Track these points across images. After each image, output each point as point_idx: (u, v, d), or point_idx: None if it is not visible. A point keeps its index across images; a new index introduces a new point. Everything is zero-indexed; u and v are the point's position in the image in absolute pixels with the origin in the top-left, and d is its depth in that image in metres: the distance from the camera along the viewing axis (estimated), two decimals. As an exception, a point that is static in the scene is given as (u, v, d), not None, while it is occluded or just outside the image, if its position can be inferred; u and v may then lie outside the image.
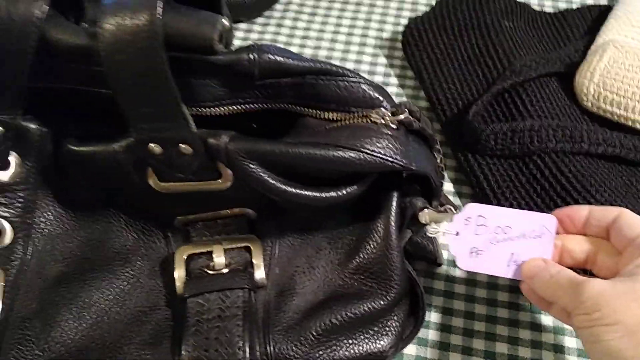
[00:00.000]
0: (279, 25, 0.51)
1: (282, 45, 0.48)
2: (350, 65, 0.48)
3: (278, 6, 0.52)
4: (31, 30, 0.28)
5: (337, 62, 0.47)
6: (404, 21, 0.51)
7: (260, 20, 0.51)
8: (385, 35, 0.50)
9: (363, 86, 0.30)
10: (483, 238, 0.30)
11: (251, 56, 0.28)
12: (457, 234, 0.31)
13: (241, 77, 0.29)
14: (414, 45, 0.46)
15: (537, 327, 0.35)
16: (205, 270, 0.32)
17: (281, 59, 0.29)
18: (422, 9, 0.52)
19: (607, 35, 0.42)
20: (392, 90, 0.46)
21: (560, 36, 0.46)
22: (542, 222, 0.30)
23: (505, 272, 0.30)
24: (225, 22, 0.28)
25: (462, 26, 0.45)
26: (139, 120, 0.28)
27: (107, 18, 0.27)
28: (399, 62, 0.48)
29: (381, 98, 0.30)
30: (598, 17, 0.46)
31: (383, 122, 0.29)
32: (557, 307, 0.30)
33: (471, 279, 0.37)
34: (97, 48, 0.27)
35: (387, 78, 0.47)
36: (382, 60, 0.49)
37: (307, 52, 0.49)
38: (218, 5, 0.31)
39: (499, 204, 0.37)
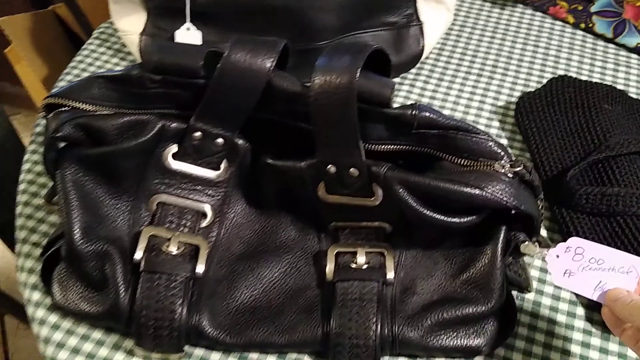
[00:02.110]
0: (412, 86, 0.62)
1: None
2: (468, 125, 0.58)
3: (413, 70, 0.63)
4: (263, 77, 0.40)
5: (458, 121, 0.58)
6: (516, 92, 0.61)
7: (396, 80, 0.63)
8: (500, 103, 0.60)
9: (490, 143, 0.40)
10: (578, 264, 0.39)
11: (413, 112, 0.39)
12: (557, 256, 0.39)
13: (402, 126, 0.40)
14: (525, 114, 0.56)
15: (604, 350, 0.43)
16: (350, 264, 0.43)
17: (434, 116, 0.40)
18: (533, 84, 0.62)
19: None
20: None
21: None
22: (631, 262, 0.38)
23: (591, 294, 0.39)
24: (395, 86, 0.39)
25: (567, 104, 0.55)
26: (326, 148, 0.40)
27: (318, 75, 0.39)
28: (510, 127, 0.58)
29: (502, 153, 0.40)
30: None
31: (503, 171, 0.39)
32: (630, 332, 0.38)
33: (554, 306, 0.45)
34: (308, 95, 0.39)
35: (498, 138, 0.57)
36: (496, 123, 0.58)
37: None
38: (388, 73, 0.43)
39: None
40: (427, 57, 0.64)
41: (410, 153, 0.41)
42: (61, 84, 0.63)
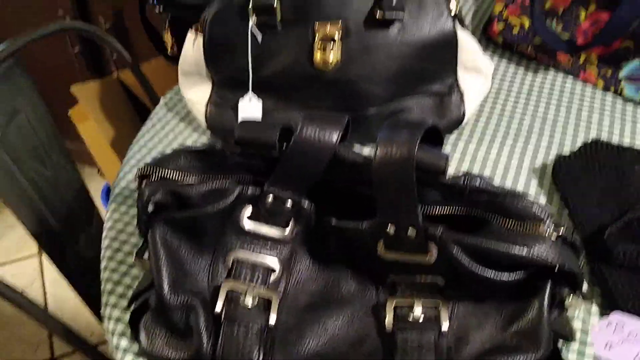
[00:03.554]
0: (454, 147, 0.67)
1: (455, 164, 0.64)
2: (509, 183, 0.63)
3: (455, 131, 0.69)
4: (330, 150, 0.46)
5: (498, 183, 0.63)
6: (552, 153, 0.66)
7: (439, 141, 0.68)
8: (537, 164, 0.65)
9: (535, 206, 0.45)
10: (618, 337, 0.43)
11: (465, 181, 0.44)
12: (599, 329, 0.43)
13: (456, 192, 0.45)
14: (562, 176, 0.60)
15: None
16: (407, 316, 0.47)
17: (484, 184, 0.44)
18: (567, 146, 0.67)
19: None
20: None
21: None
22: None
23: None
24: (449, 157, 0.44)
25: (601, 166, 0.59)
26: (387, 210, 0.45)
27: (381, 146, 0.44)
28: (547, 187, 0.62)
29: (547, 216, 0.44)
30: None
31: (547, 233, 0.43)
32: None
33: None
34: (370, 165, 0.44)
35: (537, 195, 0.61)
36: (534, 182, 0.63)
37: (475, 170, 0.65)
38: (441, 143, 0.48)
39: (621, 306, 0.49)
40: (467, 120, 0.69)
41: (460, 215, 0.46)
42: (135, 147, 0.70)
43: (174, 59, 0.76)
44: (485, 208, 0.45)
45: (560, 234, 0.44)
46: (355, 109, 0.66)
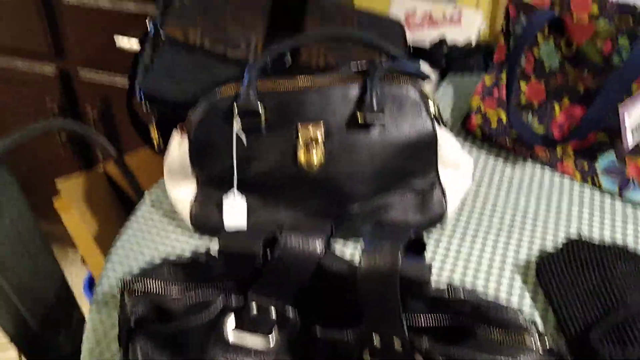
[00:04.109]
0: (437, 243, 0.68)
1: (439, 260, 0.64)
2: (493, 282, 0.63)
3: (437, 227, 0.69)
4: (314, 260, 0.46)
5: (483, 279, 0.63)
6: (535, 248, 0.66)
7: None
8: (520, 260, 0.66)
9: (520, 317, 0.45)
10: None
11: (449, 293, 0.45)
12: None
13: (439, 303, 0.45)
14: (546, 275, 0.61)
15: None
16: None
17: (468, 294, 0.45)
18: (549, 240, 0.68)
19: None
20: (526, 302, 0.60)
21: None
22: None
23: None
24: (431, 267, 0.45)
25: (584, 265, 0.60)
26: (372, 319, 0.45)
27: (365, 258, 0.44)
28: (531, 285, 0.62)
29: (532, 327, 0.44)
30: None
31: (532, 344, 0.43)
32: None
33: None
34: (355, 275, 0.44)
35: (522, 294, 0.61)
36: (518, 281, 0.63)
37: (459, 268, 0.65)
38: (423, 250, 0.48)
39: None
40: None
41: (442, 326, 0.46)
42: (119, 244, 0.70)
43: (162, 151, 0.77)
44: (470, 318, 0.45)
45: (545, 344, 0.43)
46: (339, 206, 0.67)
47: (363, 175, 0.65)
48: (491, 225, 0.70)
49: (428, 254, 0.67)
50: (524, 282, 0.63)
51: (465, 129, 0.88)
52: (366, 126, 0.64)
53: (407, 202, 0.68)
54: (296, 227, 0.48)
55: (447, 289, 0.45)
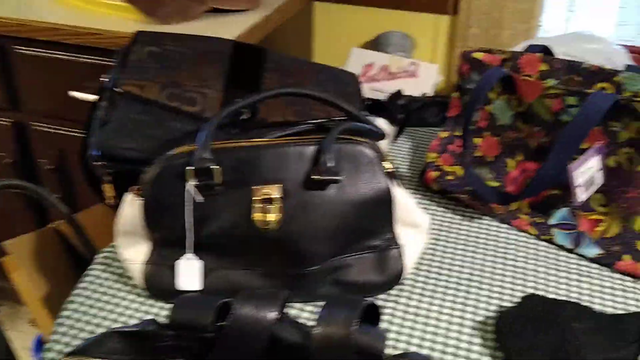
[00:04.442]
0: (396, 303, 0.67)
1: (399, 319, 0.64)
2: (452, 341, 0.62)
3: (396, 286, 0.69)
4: (266, 330, 0.45)
5: (442, 338, 0.62)
6: (493, 304, 0.66)
7: (381, 296, 0.68)
8: (479, 317, 0.65)
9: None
10: None
11: (404, 361, 0.44)
12: None
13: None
14: (504, 333, 0.60)
15: None
16: None
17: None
18: (507, 295, 0.68)
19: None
20: (484, 364, 0.60)
21: (620, 336, 0.59)
22: None
23: None
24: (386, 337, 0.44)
25: (540, 324, 0.60)
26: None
27: (319, 327, 0.43)
28: (490, 342, 0.62)
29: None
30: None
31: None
32: None
33: None
34: (308, 346, 0.43)
35: (481, 351, 0.61)
36: (477, 339, 0.63)
37: (419, 327, 0.64)
38: (378, 320, 0.48)
39: None
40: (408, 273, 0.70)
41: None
42: (70, 307, 0.67)
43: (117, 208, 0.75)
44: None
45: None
46: (297, 266, 0.66)
47: (321, 234, 0.65)
48: (449, 282, 0.70)
49: (387, 314, 0.66)
50: (484, 340, 0.63)
51: (422, 183, 0.88)
52: (323, 185, 0.64)
53: (365, 262, 0.67)
54: (249, 296, 0.46)
55: (402, 357, 0.44)
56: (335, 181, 0.63)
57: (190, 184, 0.63)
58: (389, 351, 0.56)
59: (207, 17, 1.18)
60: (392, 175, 0.67)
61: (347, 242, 0.66)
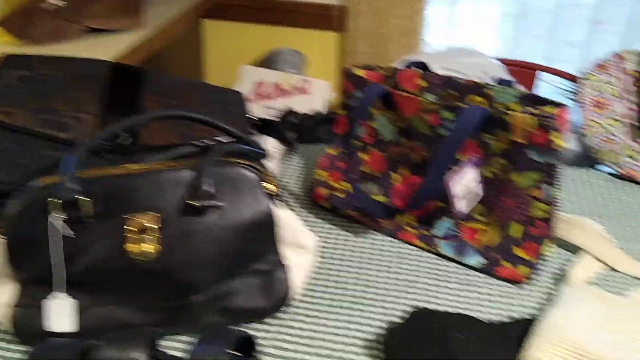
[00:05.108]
0: (284, 326, 0.66)
1: (286, 344, 0.62)
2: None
3: (283, 311, 0.67)
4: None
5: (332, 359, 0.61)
6: (382, 321, 0.66)
7: (268, 319, 0.66)
8: (368, 334, 0.65)
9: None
10: None
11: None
12: None
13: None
14: (391, 348, 0.60)
15: None
16: None
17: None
18: (397, 311, 0.68)
19: (531, 352, 0.57)
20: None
21: (501, 344, 0.61)
22: None
23: None
24: None
25: (427, 337, 0.60)
26: None
27: None
28: None
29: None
30: (528, 329, 0.62)
31: None
32: None
33: None
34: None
35: (369, 373, 0.61)
36: (364, 356, 0.62)
37: (307, 350, 0.63)
38: (252, 353, 0.46)
39: None
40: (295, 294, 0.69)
41: None
42: None
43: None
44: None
45: None
46: (179, 297, 0.63)
47: (204, 262, 0.62)
48: (337, 301, 0.70)
49: (271, 338, 0.64)
50: (371, 357, 0.62)
51: (312, 200, 0.88)
52: (202, 211, 0.62)
53: (251, 287, 0.65)
54: (115, 335, 0.43)
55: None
56: (215, 206, 0.61)
57: (55, 217, 0.59)
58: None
59: (85, 38, 1.13)
60: (274, 197, 0.66)
61: (231, 268, 0.64)
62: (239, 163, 0.65)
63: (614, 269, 0.74)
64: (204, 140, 0.78)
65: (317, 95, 1.29)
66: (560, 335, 0.59)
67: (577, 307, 0.64)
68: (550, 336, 0.59)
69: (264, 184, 0.65)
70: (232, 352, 0.42)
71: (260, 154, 0.70)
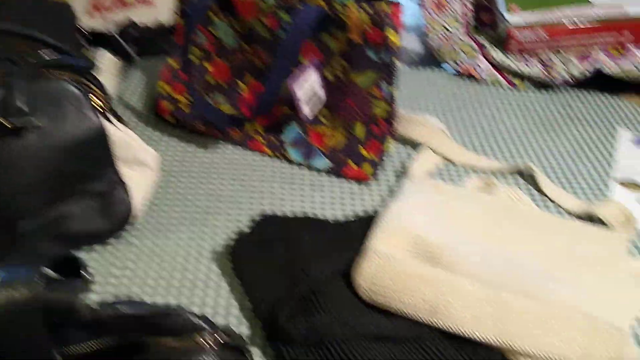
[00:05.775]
0: (129, 245, 0.63)
1: (130, 263, 0.60)
2: (189, 275, 0.60)
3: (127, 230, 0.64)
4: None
5: (179, 274, 0.60)
6: (231, 229, 0.66)
7: (113, 240, 0.63)
8: (217, 248, 0.64)
9: (193, 318, 0.42)
10: None
11: (107, 312, 0.40)
12: None
13: (101, 325, 0.41)
14: (238, 257, 0.60)
15: None
16: None
17: (129, 310, 0.41)
18: (243, 219, 0.67)
19: (372, 243, 0.59)
20: (223, 292, 0.59)
21: (345, 241, 0.62)
22: None
23: None
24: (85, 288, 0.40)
25: (272, 242, 0.60)
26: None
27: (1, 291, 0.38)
28: (228, 271, 0.61)
29: (202, 324, 0.42)
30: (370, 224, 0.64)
31: (206, 342, 0.42)
32: None
33: None
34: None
35: (219, 283, 0.60)
36: (216, 269, 0.61)
37: (155, 267, 0.61)
38: (80, 273, 0.43)
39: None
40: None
41: (117, 348, 0.42)
42: None
43: None
44: (138, 332, 0.42)
45: (219, 340, 0.42)
46: (7, 227, 0.58)
47: (27, 187, 0.57)
48: (185, 215, 0.68)
49: (119, 257, 0.62)
50: (222, 269, 0.62)
51: (158, 115, 0.83)
52: (18, 132, 0.56)
53: (87, 209, 0.61)
54: None
55: (105, 307, 0.40)
56: (32, 125, 0.56)
57: None
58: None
59: None
60: (105, 113, 0.61)
61: (62, 191, 0.60)
62: (60, 77, 0.59)
63: (451, 161, 0.78)
64: (24, 56, 0.70)
65: (162, 5, 1.20)
66: (399, 225, 0.61)
67: (416, 198, 0.67)
68: (389, 228, 0.61)
69: (92, 98, 0.60)
70: (50, 273, 0.39)
71: (84, 67, 0.64)
